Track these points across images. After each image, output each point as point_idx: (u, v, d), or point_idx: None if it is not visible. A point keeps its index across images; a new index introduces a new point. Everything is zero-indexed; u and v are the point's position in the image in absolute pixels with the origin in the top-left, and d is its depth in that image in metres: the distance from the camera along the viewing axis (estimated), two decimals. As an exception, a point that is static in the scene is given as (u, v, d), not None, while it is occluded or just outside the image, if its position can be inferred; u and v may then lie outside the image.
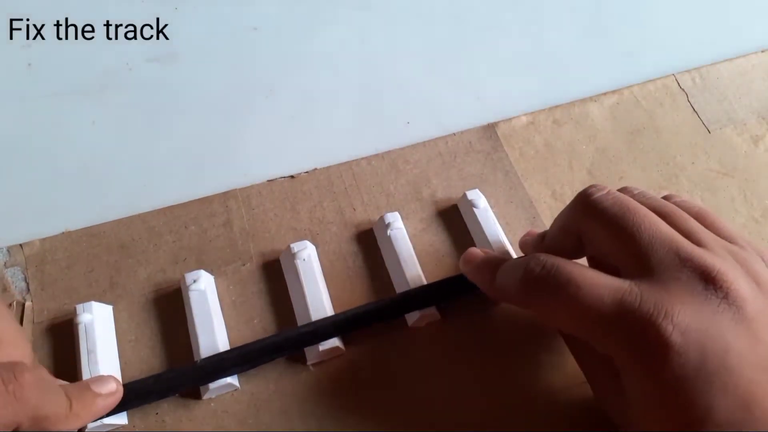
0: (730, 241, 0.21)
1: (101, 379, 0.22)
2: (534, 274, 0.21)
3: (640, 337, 0.18)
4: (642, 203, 0.22)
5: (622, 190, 0.23)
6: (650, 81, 0.35)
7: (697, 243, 0.20)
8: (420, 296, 0.25)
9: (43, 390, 0.19)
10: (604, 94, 0.35)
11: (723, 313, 0.18)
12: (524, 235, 0.27)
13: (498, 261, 0.23)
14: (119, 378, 0.23)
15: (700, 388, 0.17)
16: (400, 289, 0.26)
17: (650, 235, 0.20)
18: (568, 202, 0.30)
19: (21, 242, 0.27)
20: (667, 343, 0.17)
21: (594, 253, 0.22)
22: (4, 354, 0.19)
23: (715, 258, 0.19)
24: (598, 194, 0.21)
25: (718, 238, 0.21)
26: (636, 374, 0.18)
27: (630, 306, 0.18)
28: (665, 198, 0.24)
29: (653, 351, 0.18)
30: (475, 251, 0.25)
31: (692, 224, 0.21)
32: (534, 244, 0.25)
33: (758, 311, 0.18)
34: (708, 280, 0.18)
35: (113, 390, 0.21)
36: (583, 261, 0.23)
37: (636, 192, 0.23)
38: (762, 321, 0.18)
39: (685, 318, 0.17)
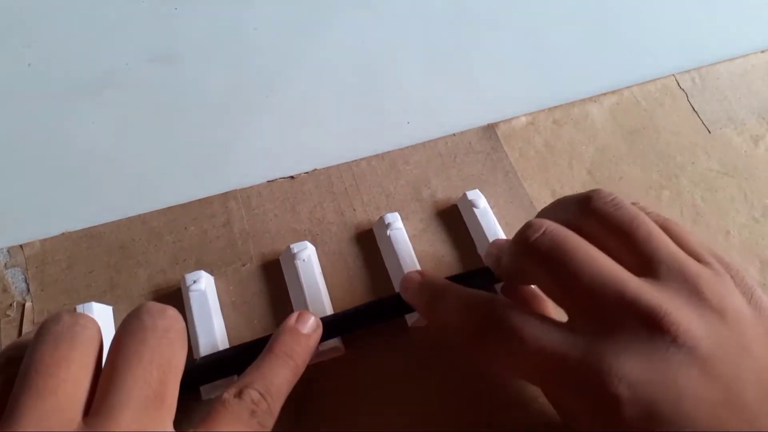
0: (696, 258, 0.20)
1: (302, 317, 0.23)
2: (479, 324, 0.20)
3: (588, 392, 0.17)
4: (609, 215, 0.20)
5: (594, 192, 0.22)
6: (650, 81, 0.35)
7: (654, 271, 0.19)
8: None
9: (267, 385, 0.20)
10: (604, 94, 0.35)
11: (673, 357, 0.17)
12: (489, 245, 0.26)
13: (438, 287, 0.23)
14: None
15: None
16: (399, 289, 0.26)
17: (591, 279, 0.19)
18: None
19: (21, 243, 0.27)
20: (615, 397, 0.17)
21: (543, 294, 0.21)
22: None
23: (663, 296, 0.18)
24: (534, 236, 0.20)
25: (681, 260, 0.19)
26: (590, 424, 0.18)
27: (574, 362, 0.18)
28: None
29: (603, 405, 0.17)
30: (413, 275, 0.24)
31: (652, 246, 0.20)
32: (493, 264, 0.24)
33: (715, 346, 0.17)
34: (654, 325, 0.17)
35: (315, 327, 0.23)
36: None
37: (609, 199, 0.21)
38: (720, 355, 0.17)
39: (632, 371, 0.17)
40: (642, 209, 0.22)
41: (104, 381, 0.17)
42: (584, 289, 0.19)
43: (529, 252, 0.20)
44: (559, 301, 0.20)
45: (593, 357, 0.17)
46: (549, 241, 0.20)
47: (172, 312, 0.19)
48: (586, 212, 0.21)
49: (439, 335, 0.25)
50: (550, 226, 0.20)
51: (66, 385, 0.17)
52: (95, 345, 0.18)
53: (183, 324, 0.20)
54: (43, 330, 0.18)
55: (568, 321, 0.19)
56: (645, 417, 0.17)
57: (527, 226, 0.21)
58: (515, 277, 0.22)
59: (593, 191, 0.22)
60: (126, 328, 0.19)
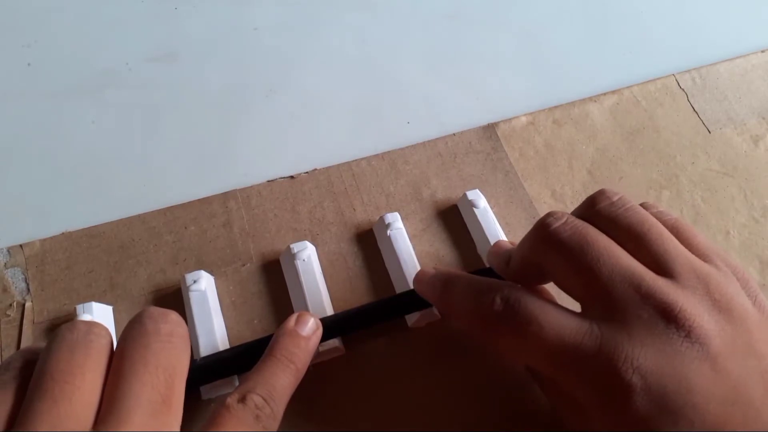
0: (704, 259, 0.20)
1: (302, 319, 0.23)
2: (494, 308, 0.20)
3: (601, 380, 0.18)
4: (617, 216, 0.21)
5: (598, 193, 0.22)
6: (650, 81, 0.35)
7: (667, 270, 0.19)
8: (420, 296, 0.25)
9: (270, 390, 0.20)
10: (604, 94, 0.35)
11: (686, 352, 0.18)
12: (492, 246, 0.26)
13: (450, 275, 0.23)
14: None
15: (666, 427, 0.17)
16: (400, 289, 0.26)
17: (610, 270, 0.19)
18: (568, 202, 0.31)
19: (21, 243, 0.27)
20: (628, 386, 0.17)
21: (557, 285, 0.21)
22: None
23: (678, 292, 0.18)
24: (556, 224, 0.21)
25: (691, 260, 0.20)
26: (600, 414, 0.18)
27: (590, 349, 0.18)
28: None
29: (615, 393, 0.17)
30: (426, 269, 0.25)
31: (664, 247, 0.20)
32: (499, 266, 0.24)
33: (725, 345, 0.18)
34: (669, 319, 0.18)
35: (315, 328, 0.23)
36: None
37: (615, 199, 0.21)
38: (729, 354, 0.18)
39: (645, 361, 0.17)
40: (653, 206, 0.22)
41: (111, 387, 0.17)
42: (603, 279, 0.19)
43: (549, 238, 0.20)
44: (575, 291, 0.20)
45: (609, 345, 0.18)
46: (570, 229, 0.20)
47: (174, 316, 0.19)
48: (593, 214, 0.21)
49: (452, 324, 0.26)
50: (571, 217, 0.21)
51: (81, 392, 0.17)
52: (108, 353, 0.19)
53: (185, 328, 0.20)
54: (58, 337, 0.18)
55: (583, 311, 0.20)
56: (655, 407, 0.17)
57: (548, 215, 0.21)
58: (527, 272, 0.22)
59: (597, 192, 0.22)
60: (129, 334, 0.19)
